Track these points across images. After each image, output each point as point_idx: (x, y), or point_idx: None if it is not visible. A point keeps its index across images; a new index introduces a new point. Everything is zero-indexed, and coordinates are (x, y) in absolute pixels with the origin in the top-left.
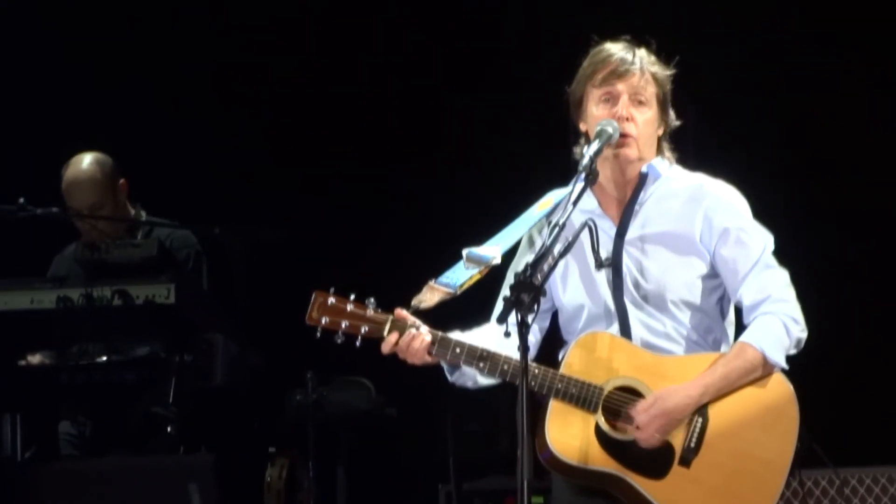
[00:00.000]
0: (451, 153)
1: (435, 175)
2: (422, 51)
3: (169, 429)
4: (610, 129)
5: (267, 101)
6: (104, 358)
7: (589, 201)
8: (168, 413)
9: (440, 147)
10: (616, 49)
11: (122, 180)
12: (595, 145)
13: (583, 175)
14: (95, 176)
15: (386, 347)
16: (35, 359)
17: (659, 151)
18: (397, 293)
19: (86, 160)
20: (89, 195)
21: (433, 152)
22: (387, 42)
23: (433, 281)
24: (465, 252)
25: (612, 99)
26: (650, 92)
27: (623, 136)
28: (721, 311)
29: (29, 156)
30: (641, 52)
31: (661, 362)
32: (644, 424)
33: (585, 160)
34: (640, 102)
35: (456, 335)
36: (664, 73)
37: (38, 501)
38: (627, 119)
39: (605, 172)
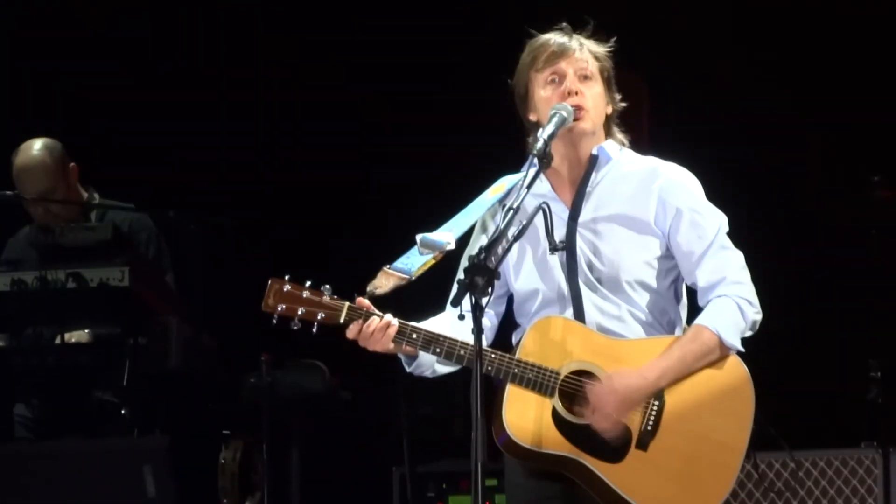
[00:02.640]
0: (404, 140)
1: (389, 161)
2: (379, 43)
3: (123, 411)
4: (565, 113)
5: (227, 85)
6: (58, 341)
7: (542, 185)
8: (122, 396)
9: (394, 133)
10: (552, 34)
11: (71, 164)
12: (550, 128)
13: (536, 158)
14: (45, 161)
15: (350, 334)
16: None
17: (609, 133)
18: (351, 279)
19: (35, 146)
20: (40, 181)
21: (387, 138)
22: (345, 33)
23: (387, 267)
24: (418, 238)
25: (558, 78)
26: (594, 67)
27: (577, 108)
28: (675, 294)
29: None
30: (578, 35)
31: (616, 345)
32: (599, 406)
33: (539, 143)
34: (586, 77)
35: (411, 323)
36: (604, 50)
37: None
38: (577, 93)
39: (558, 152)
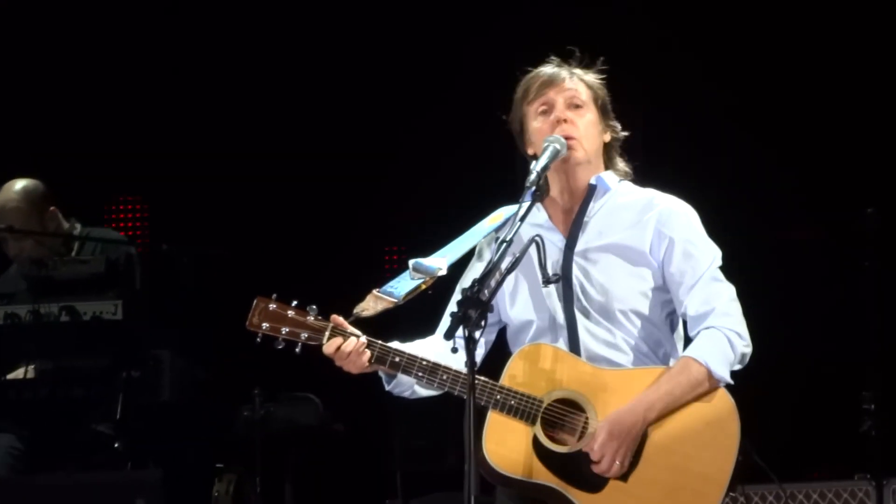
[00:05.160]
0: (402, 168)
1: (384, 189)
2: (377, 62)
3: (116, 444)
4: (558, 146)
5: (219, 115)
6: (51, 374)
7: (538, 215)
8: (115, 429)
9: (392, 161)
10: (544, 67)
11: (51, 208)
12: (543, 160)
13: (530, 191)
14: (20, 206)
15: (328, 349)
16: None
17: (610, 164)
18: (345, 308)
19: (13, 188)
20: (12, 223)
21: (385, 167)
22: (338, 58)
23: (377, 290)
24: (411, 262)
25: (548, 108)
26: (585, 95)
27: (567, 138)
28: (671, 325)
29: None
30: (569, 66)
31: (603, 375)
32: (607, 458)
33: (533, 176)
34: (577, 106)
35: (395, 345)
36: (596, 80)
37: None
38: (566, 121)
39: (555, 183)
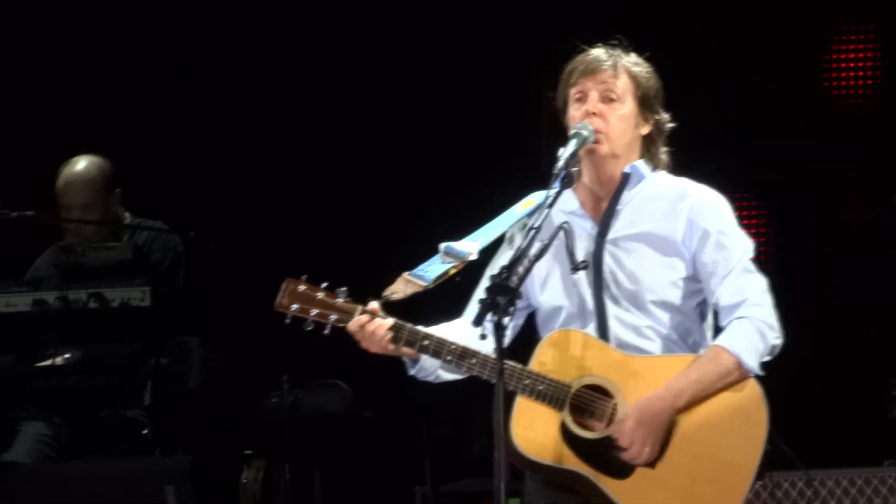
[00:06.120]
0: (434, 153)
1: (415, 178)
2: (402, 50)
3: (145, 432)
4: (585, 133)
5: (246, 105)
6: (80, 361)
7: (570, 202)
8: (144, 416)
9: (423, 148)
10: (594, 51)
11: (117, 189)
12: (570, 148)
13: (559, 178)
14: (93, 177)
15: (352, 326)
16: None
17: (648, 155)
18: (374, 292)
19: (86, 160)
20: (80, 194)
21: (415, 154)
22: (366, 42)
23: (407, 273)
24: (442, 246)
25: (583, 97)
26: (623, 88)
27: (595, 131)
28: (701, 315)
29: (5, 159)
30: (619, 52)
31: (632, 361)
32: (633, 444)
33: (560, 163)
34: (611, 99)
35: (423, 329)
36: (644, 70)
37: None
38: (595, 114)
39: (585, 172)
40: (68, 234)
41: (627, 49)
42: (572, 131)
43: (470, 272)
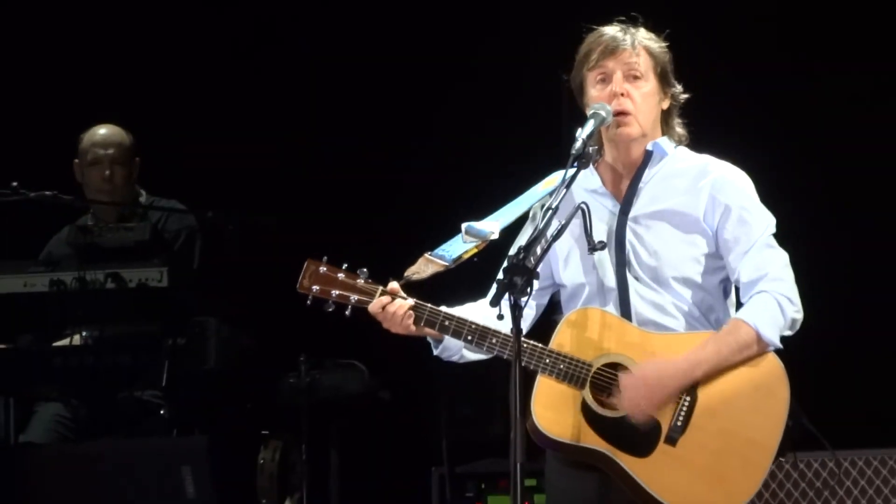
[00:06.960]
0: (456, 131)
1: (436, 156)
2: (425, 28)
3: (162, 412)
4: (603, 113)
5: (265, 85)
6: (97, 341)
7: (592, 180)
8: (161, 396)
9: (445, 125)
10: (608, 29)
11: (137, 158)
12: (588, 128)
13: (574, 159)
14: (122, 135)
15: (374, 307)
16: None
17: (667, 129)
18: (395, 271)
19: (112, 127)
20: (114, 144)
21: (437, 132)
22: (382, 23)
23: (428, 253)
24: (463, 226)
25: (606, 78)
26: (645, 65)
27: (621, 113)
28: (724, 292)
29: (22, 140)
30: (634, 30)
31: (652, 339)
32: (629, 394)
33: (578, 143)
34: (636, 77)
35: (443, 309)
36: (660, 46)
37: (31, 485)
38: (623, 95)
39: (609, 150)
40: (94, 182)
41: (637, 24)
42: (590, 111)
43: (493, 252)
